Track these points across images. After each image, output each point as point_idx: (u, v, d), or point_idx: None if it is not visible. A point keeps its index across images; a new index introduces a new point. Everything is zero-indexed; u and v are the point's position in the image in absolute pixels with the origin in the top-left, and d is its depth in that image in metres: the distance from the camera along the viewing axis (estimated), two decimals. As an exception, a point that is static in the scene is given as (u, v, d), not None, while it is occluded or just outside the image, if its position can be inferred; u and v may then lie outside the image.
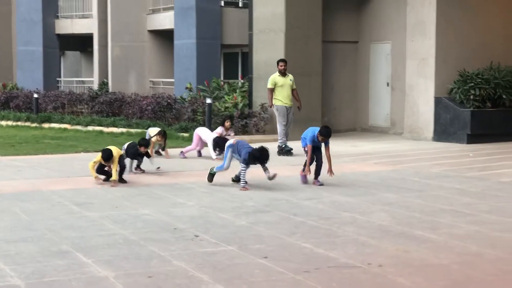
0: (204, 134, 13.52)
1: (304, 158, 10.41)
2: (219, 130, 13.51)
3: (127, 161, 10.95)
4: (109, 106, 21.28)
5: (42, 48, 26.06)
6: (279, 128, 14.14)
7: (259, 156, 9.58)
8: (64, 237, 6.82)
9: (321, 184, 10.02)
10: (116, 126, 19.09)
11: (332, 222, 7.56)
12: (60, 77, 27.58)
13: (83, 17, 26.10)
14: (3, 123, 21.95)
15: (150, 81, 24.36)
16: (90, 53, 26.60)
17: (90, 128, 19.58)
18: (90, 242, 6.61)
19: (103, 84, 24.09)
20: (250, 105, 17.50)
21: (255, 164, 9.69)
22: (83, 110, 22.60)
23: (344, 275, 5.58)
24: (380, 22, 18.47)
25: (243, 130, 16.96)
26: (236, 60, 22.62)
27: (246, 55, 19.31)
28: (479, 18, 16.71)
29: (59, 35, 26.56)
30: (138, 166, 11.34)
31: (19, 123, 21.65)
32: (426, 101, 16.36)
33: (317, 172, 10.16)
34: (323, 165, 10.13)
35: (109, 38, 24.01)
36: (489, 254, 6.27)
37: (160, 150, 13.51)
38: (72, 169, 11.75)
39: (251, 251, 6.28)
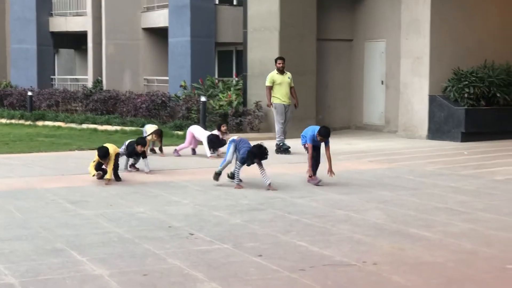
0: (198, 132, 13.50)
1: (302, 156, 10.35)
2: (216, 133, 13.39)
3: (123, 158, 10.94)
4: (104, 104, 21.26)
5: (36, 46, 26.02)
6: (277, 126, 14.10)
7: (257, 153, 9.54)
8: (59, 235, 6.81)
9: (320, 181, 9.95)
10: (110, 124, 19.04)
11: (327, 220, 7.56)
12: (54, 75, 27.54)
13: (77, 15, 26.03)
14: (-3, 121, 21.90)
15: (145, 79, 24.31)
16: (84, 51, 26.52)
17: (84, 126, 19.53)
18: (84, 240, 6.59)
19: (97, 82, 24.06)
20: (244, 103, 17.49)
21: (253, 163, 9.65)
22: (77, 108, 22.58)
23: (339, 273, 5.57)
24: (374, 20, 18.48)
25: (238, 128, 16.94)
26: (231, 58, 22.59)
27: (240, 53, 19.29)
28: (474, 16, 16.73)
29: (53, 33, 26.50)
30: (133, 165, 11.34)
31: (13, 121, 21.56)
32: (420, 99, 16.37)
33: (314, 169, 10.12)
34: (322, 165, 10.10)
35: (103, 36, 23.94)
36: (484, 252, 6.28)
37: (157, 150, 13.50)
38: (66, 167, 11.73)
39: (245, 249, 6.28)
